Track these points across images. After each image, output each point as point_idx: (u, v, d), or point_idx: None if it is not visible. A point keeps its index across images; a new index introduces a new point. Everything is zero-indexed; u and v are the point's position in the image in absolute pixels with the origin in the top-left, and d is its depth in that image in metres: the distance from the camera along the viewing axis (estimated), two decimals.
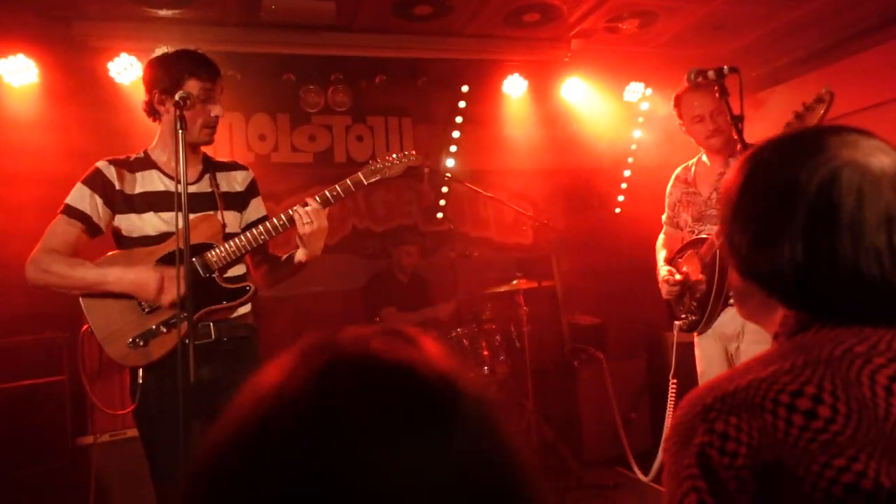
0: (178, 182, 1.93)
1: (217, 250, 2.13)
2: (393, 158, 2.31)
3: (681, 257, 2.80)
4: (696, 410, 0.81)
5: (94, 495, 3.28)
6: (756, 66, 4.79)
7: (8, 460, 3.33)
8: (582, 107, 5.18)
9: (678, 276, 2.70)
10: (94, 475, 3.29)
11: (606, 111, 5.21)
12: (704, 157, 2.80)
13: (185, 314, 1.89)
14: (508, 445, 0.50)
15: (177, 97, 1.97)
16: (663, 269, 2.79)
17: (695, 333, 2.74)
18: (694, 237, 2.76)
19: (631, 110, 5.33)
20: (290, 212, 2.16)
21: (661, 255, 2.92)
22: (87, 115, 4.15)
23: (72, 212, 2.10)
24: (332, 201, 2.21)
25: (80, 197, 2.12)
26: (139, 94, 4.17)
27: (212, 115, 2.14)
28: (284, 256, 2.33)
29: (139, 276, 2.02)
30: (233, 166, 2.38)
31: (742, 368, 0.84)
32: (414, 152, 2.36)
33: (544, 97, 5.13)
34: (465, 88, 5.06)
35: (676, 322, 2.77)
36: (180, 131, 1.92)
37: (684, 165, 2.93)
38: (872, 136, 0.86)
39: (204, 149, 2.31)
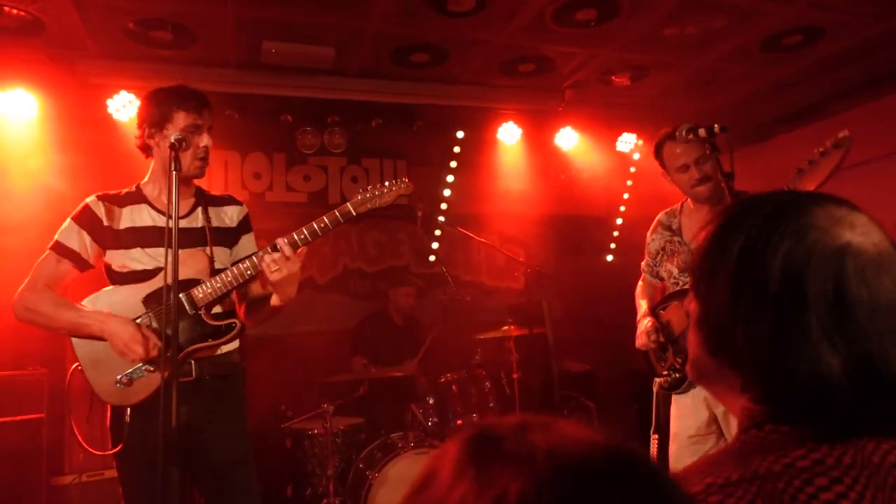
0: (170, 218, 1.90)
1: (204, 286, 2.10)
2: (384, 186, 2.18)
3: (663, 309, 2.65)
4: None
5: None
6: (745, 120, 4.90)
7: None
8: (575, 155, 5.26)
9: (659, 336, 2.56)
10: None
11: (599, 161, 5.29)
12: (690, 203, 2.68)
13: (169, 354, 1.86)
14: None
15: (172, 139, 1.97)
16: (646, 320, 2.63)
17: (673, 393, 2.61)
18: (678, 288, 2.63)
19: (623, 160, 5.41)
20: (256, 259, 2.07)
21: (643, 304, 2.78)
22: (85, 150, 4.17)
23: (60, 249, 2.11)
24: (310, 239, 2.07)
25: (69, 233, 2.12)
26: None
27: (201, 146, 2.13)
28: (260, 297, 2.26)
29: (115, 329, 1.99)
30: (227, 201, 2.35)
31: (700, 464, 0.77)
32: (406, 179, 2.23)
33: (538, 145, 5.21)
34: (460, 134, 5.14)
35: (657, 379, 2.63)
36: (174, 172, 1.92)
37: (667, 211, 2.79)
38: (856, 209, 0.80)
39: (198, 183, 2.31)
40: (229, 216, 2.31)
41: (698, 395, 2.50)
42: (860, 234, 0.76)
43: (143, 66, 4.00)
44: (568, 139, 5.15)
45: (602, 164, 5.30)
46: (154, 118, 2.11)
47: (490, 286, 5.59)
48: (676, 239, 2.68)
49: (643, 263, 2.88)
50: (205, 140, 2.14)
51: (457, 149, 5.24)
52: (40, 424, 3.47)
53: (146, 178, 2.25)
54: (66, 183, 4.08)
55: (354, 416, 3.94)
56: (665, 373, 2.59)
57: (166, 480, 1.76)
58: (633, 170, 5.50)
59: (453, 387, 3.97)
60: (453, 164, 5.29)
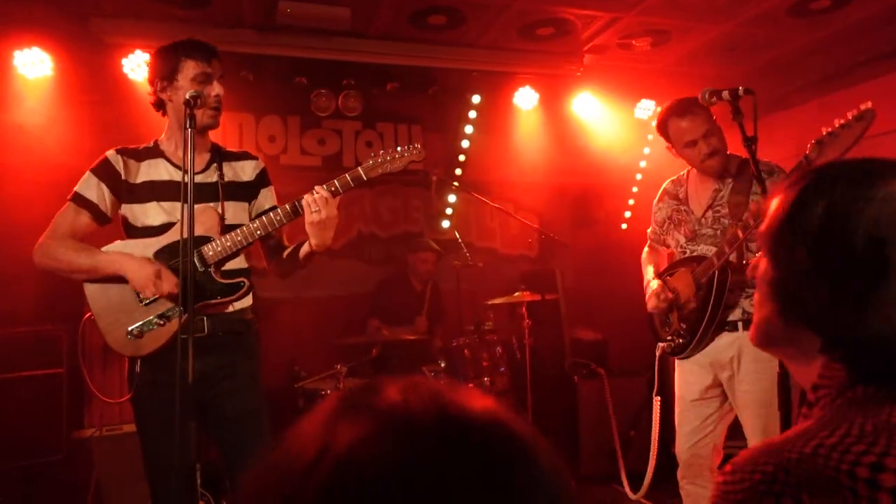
0: (186, 173, 1.92)
1: (214, 244, 2.11)
2: (395, 152, 2.18)
3: (670, 275, 2.67)
4: (756, 480, 0.70)
5: (94, 489, 3.27)
6: (768, 88, 4.79)
7: (4, 452, 3.33)
8: (592, 122, 5.18)
9: (669, 293, 2.59)
10: (96, 469, 3.27)
11: (617, 127, 5.21)
12: (692, 175, 2.70)
13: (180, 308, 1.89)
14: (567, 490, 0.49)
15: (187, 96, 1.97)
16: (654, 282, 2.67)
17: (676, 357, 2.65)
18: (686, 256, 2.63)
19: (641, 127, 5.32)
20: (296, 202, 2.10)
21: (650, 269, 2.81)
22: (99, 109, 4.18)
23: (80, 199, 2.14)
24: (341, 191, 2.12)
25: (88, 185, 2.15)
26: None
27: (213, 95, 2.12)
28: (293, 246, 2.26)
29: (136, 265, 2.04)
30: (242, 156, 2.35)
31: (799, 431, 0.75)
32: (418, 145, 2.21)
33: (555, 111, 5.14)
34: (475, 99, 5.08)
35: (661, 344, 2.66)
36: (189, 130, 1.93)
37: (673, 179, 2.80)
38: None
39: (215, 141, 2.32)
40: (245, 171, 2.32)
41: (702, 359, 2.52)
42: None
43: (158, 25, 3.96)
44: (585, 105, 5.07)
45: (619, 131, 5.22)
46: (164, 71, 2.11)
47: (503, 253, 5.58)
48: (683, 208, 2.67)
49: (649, 231, 2.89)
50: (216, 89, 2.13)
51: (472, 114, 5.19)
52: (60, 379, 3.55)
53: (163, 134, 2.26)
54: (81, 141, 4.10)
55: (367, 378, 3.99)
56: (669, 338, 2.61)
57: (184, 434, 1.80)
58: (650, 137, 5.41)
59: (465, 351, 4.00)
60: (468, 129, 5.24)
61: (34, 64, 3.95)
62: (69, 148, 4.07)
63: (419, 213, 5.42)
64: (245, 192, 2.30)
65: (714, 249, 2.47)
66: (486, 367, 4.00)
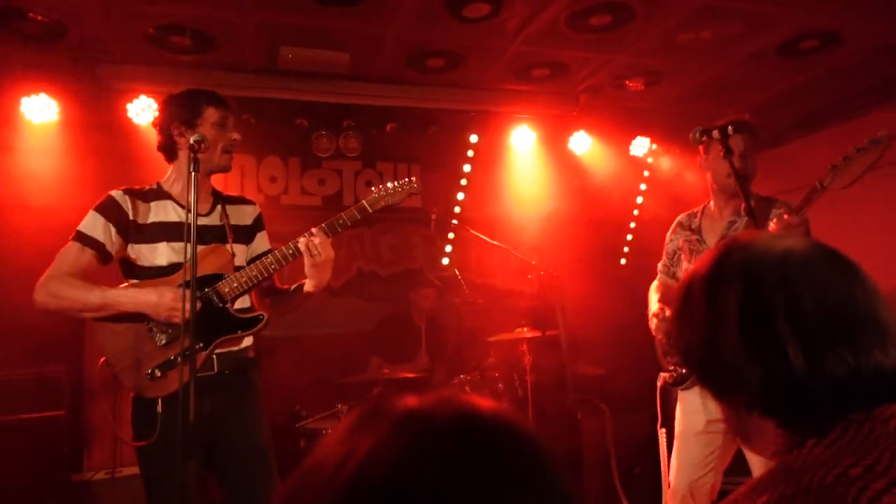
0: (191, 213, 1.97)
1: (229, 281, 2.16)
2: (395, 185, 2.32)
3: None
4: (774, 501, 0.72)
5: None
6: (760, 125, 4.87)
7: (4, 497, 3.29)
8: (589, 160, 5.26)
9: (668, 313, 2.56)
10: None
11: (613, 165, 5.29)
12: (712, 205, 2.70)
13: (188, 350, 1.90)
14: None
15: (191, 140, 2.01)
16: (655, 304, 2.67)
17: (678, 388, 2.61)
18: None
19: (637, 165, 5.41)
20: (295, 244, 2.19)
21: (654, 298, 2.80)
22: (104, 153, 4.25)
23: (84, 238, 2.13)
24: (339, 230, 2.22)
25: (94, 224, 2.15)
26: (155, 135, 4.31)
27: (231, 138, 2.23)
28: (293, 287, 2.34)
29: (151, 296, 2.04)
30: (241, 200, 2.44)
31: (739, 494, 0.78)
32: (414, 178, 2.35)
33: (552, 149, 5.22)
34: (473, 138, 5.16)
35: (663, 374, 2.63)
36: (193, 174, 1.97)
37: (689, 213, 2.82)
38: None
39: (215, 184, 2.38)
40: (246, 215, 2.39)
41: (697, 393, 2.49)
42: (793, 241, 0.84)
43: (162, 70, 4.07)
44: (582, 143, 5.15)
45: (616, 169, 5.30)
46: (184, 116, 2.18)
47: (503, 289, 5.60)
48: (696, 237, 2.68)
49: (660, 264, 2.89)
50: (235, 134, 2.24)
51: (470, 153, 5.27)
52: (60, 422, 3.53)
53: (167, 176, 2.31)
54: (86, 186, 4.16)
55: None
56: (672, 368, 2.58)
57: (185, 473, 1.79)
58: (646, 174, 5.49)
59: (467, 388, 3.98)
60: (467, 167, 5.31)
61: (41, 110, 4.03)
62: (73, 191, 4.13)
63: (419, 250, 5.46)
64: (245, 235, 2.37)
65: None
66: None
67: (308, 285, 2.24)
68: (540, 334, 4.15)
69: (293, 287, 2.34)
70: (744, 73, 4.31)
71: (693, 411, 2.52)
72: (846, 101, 4.45)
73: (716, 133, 2.06)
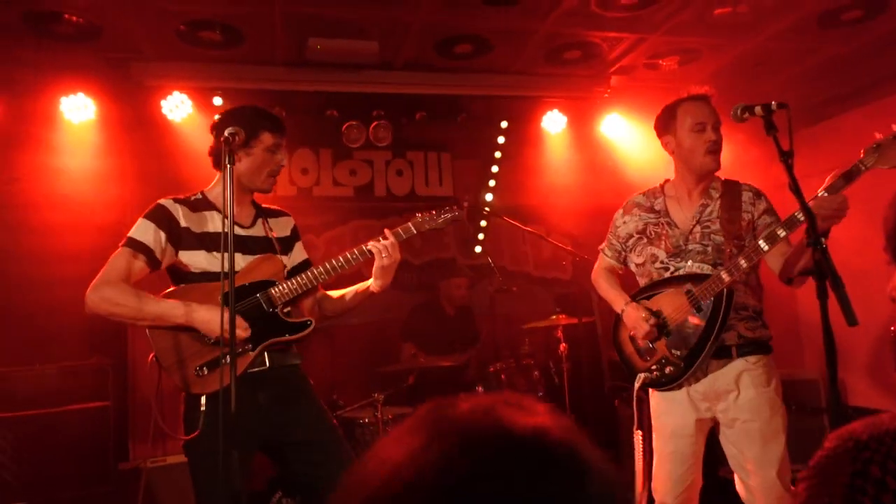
0: (227, 220, 2.02)
1: (280, 287, 2.24)
2: (442, 213, 2.50)
3: (647, 298, 2.41)
4: (847, 446, 0.70)
5: None
6: (797, 102, 4.72)
7: (52, 484, 3.40)
8: (621, 143, 5.17)
9: (653, 319, 2.33)
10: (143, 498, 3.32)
11: (646, 147, 5.18)
12: (674, 185, 2.50)
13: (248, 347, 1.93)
14: None
15: (226, 133, 2.03)
16: (631, 307, 2.41)
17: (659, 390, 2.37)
18: (669, 275, 2.37)
19: None
20: (367, 246, 2.31)
21: (614, 290, 2.57)
22: (140, 148, 4.34)
23: (135, 244, 2.17)
24: (404, 237, 2.38)
25: (144, 231, 2.18)
26: (189, 131, 4.38)
27: (281, 164, 2.31)
28: (357, 288, 2.44)
29: (208, 314, 2.09)
30: (279, 213, 2.51)
31: None
32: (456, 207, 2.53)
33: (584, 133, 5.14)
34: (504, 124, 5.12)
35: (642, 375, 2.38)
36: (229, 165, 1.99)
37: (645, 192, 2.59)
38: None
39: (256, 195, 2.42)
40: (284, 226, 2.47)
41: (694, 391, 2.30)
42: None
43: (193, 66, 4.12)
44: (614, 126, 5.06)
45: (649, 151, 5.19)
46: (242, 134, 2.20)
47: (537, 276, 5.56)
48: (664, 220, 2.44)
49: (604, 247, 2.70)
50: (282, 159, 2.32)
51: (501, 139, 5.22)
52: (106, 412, 3.63)
53: (211, 185, 2.36)
54: (124, 179, 4.25)
55: (404, 406, 3.99)
56: (654, 367, 2.35)
57: (228, 465, 1.83)
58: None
59: (502, 376, 3.98)
60: (498, 154, 5.27)
61: (79, 109, 4.13)
62: (112, 186, 4.23)
63: (451, 238, 5.44)
64: (285, 245, 2.44)
65: (706, 266, 2.29)
66: (523, 392, 3.95)
67: (374, 286, 2.35)
68: (576, 321, 4.11)
69: (354, 289, 2.44)
70: (782, 46, 4.17)
71: (680, 414, 2.32)
72: (888, 76, 4.28)
73: (759, 109, 1.99)
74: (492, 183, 5.33)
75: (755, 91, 4.77)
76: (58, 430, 3.48)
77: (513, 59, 4.31)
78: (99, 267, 2.17)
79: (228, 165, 2.00)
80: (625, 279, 2.68)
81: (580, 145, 5.20)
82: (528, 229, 4.36)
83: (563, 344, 4.06)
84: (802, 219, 1.97)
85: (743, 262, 2.17)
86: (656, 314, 2.35)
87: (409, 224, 2.42)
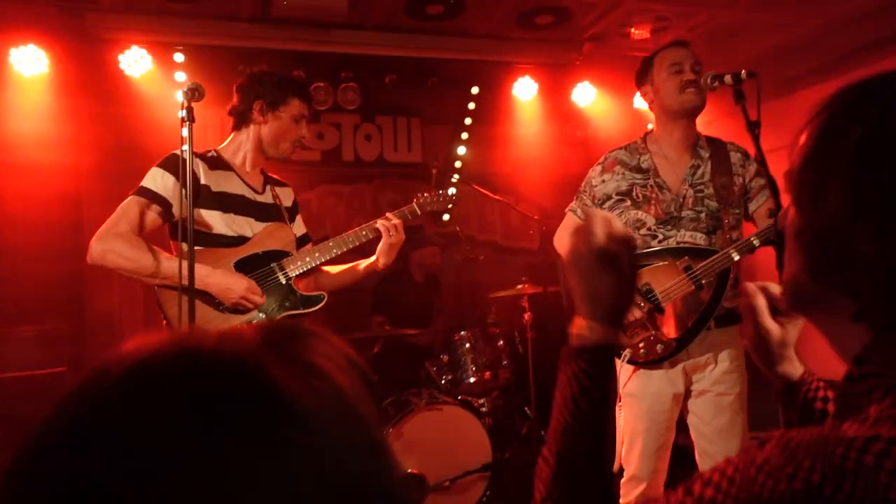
0: (256, 192, 2.14)
1: (293, 259, 2.21)
2: (440, 194, 2.63)
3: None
4: (796, 488, 0.55)
5: None
6: (771, 74, 4.75)
7: (8, 453, 3.32)
8: (592, 111, 5.15)
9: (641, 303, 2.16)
10: None
11: (617, 117, 5.18)
12: (655, 141, 2.33)
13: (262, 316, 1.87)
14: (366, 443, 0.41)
15: (186, 88, 1.94)
16: None
17: (622, 360, 2.22)
18: (658, 244, 2.22)
19: (641, 117, 5.29)
20: (377, 224, 2.35)
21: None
22: (97, 106, 4.16)
23: (151, 195, 2.04)
24: (410, 217, 2.46)
25: (162, 182, 2.05)
26: (148, 87, 4.21)
27: (304, 135, 2.31)
28: (363, 265, 2.44)
29: (226, 278, 2.02)
30: (283, 183, 2.45)
31: (854, 426, 0.58)
32: (453, 192, 2.62)
33: (555, 101, 5.11)
34: (474, 90, 5.05)
35: (627, 351, 2.20)
36: (189, 122, 1.92)
37: (626, 147, 2.38)
38: None
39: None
40: (288, 197, 2.43)
41: (676, 363, 2.21)
42: None
43: (154, 19, 3.94)
44: (585, 95, 5.04)
45: (619, 121, 5.19)
46: (270, 97, 2.21)
47: (505, 245, 5.56)
48: (654, 182, 2.25)
49: (574, 207, 2.47)
50: (305, 130, 2.30)
51: (471, 105, 5.15)
52: (62, 378, 3.54)
53: (226, 144, 2.27)
54: (79, 138, 4.08)
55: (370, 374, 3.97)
56: (641, 344, 2.19)
57: None
58: (650, 126, 5.38)
59: (467, 344, 3.98)
60: (468, 120, 5.21)
61: (30, 61, 3.92)
62: (66, 145, 4.06)
63: None
64: (289, 216, 2.40)
65: (700, 235, 2.19)
66: (488, 360, 3.98)
67: (380, 263, 2.36)
68: (541, 290, 4.13)
69: (364, 265, 2.43)
70: (752, 18, 4.17)
71: (657, 392, 2.23)
72: (864, 47, 4.31)
73: (728, 78, 1.97)
74: (461, 150, 5.27)
75: (728, 63, 4.77)
76: (11, 397, 3.38)
77: (485, 21, 4.23)
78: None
79: (189, 122, 1.91)
80: None
81: (551, 114, 5.17)
82: (497, 198, 4.33)
83: (528, 313, 4.08)
84: None
85: (755, 241, 2.08)
86: (647, 292, 2.17)
87: (414, 204, 2.49)
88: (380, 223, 2.34)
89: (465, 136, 5.25)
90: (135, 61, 4.07)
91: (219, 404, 0.37)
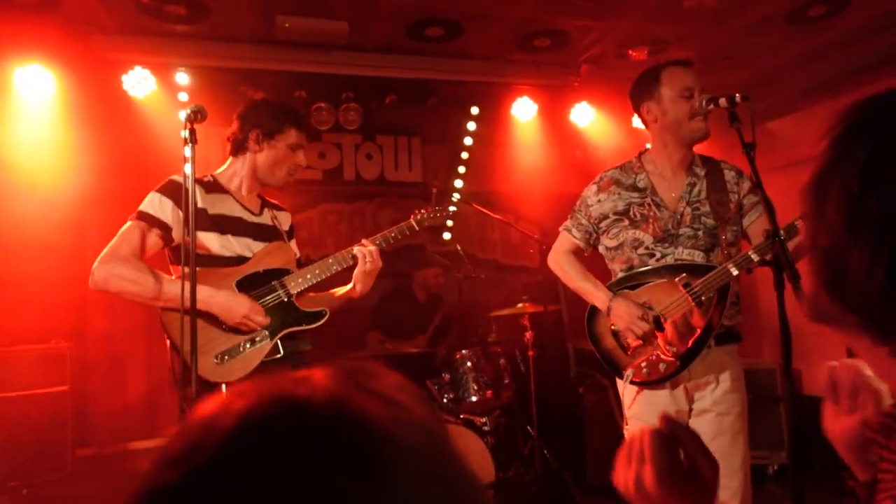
0: (252, 214, 2.14)
1: (295, 276, 2.23)
2: (438, 210, 2.62)
3: (631, 289, 2.24)
4: None
5: None
6: (765, 96, 4.81)
7: (9, 470, 3.31)
8: (591, 132, 5.19)
9: (650, 314, 2.16)
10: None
11: (615, 137, 5.22)
12: (652, 161, 2.33)
13: (267, 333, 1.89)
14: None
15: (189, 110, 1.97)
16: (634, 306, 2.17)
17: (623, 381, 2.22)
18: (656, 262, 2.21)
19: (640, 137, 5.33)
20: (350, 251, 2.33)
21: (587, 281, 2.34)
22: (100, 128, 4.20)
23: (149, 219, 2.08)
24: (392, 242, 2.43)
25: (161, 207, 2.09)
26: (152, 108, 4.26)
27: (299, 164, 2.31)
28: (340, 291, 2.44)
29: (228, 299, 2.04)
30: (280, 207, 2.48)
31: None
32: (453, 208, 2.64)
33: (553, 121, 5.15)
34: (474, 110, 5.10)
35: (630, 371, 2.19)
36: (190, 144, 1.95)
37: (621, 167, 2.37)
38: None
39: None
40: (285, 220, 2.45)
41: (668, 387, 2.19)
42: None
43: (157, 40, 4.00)
44: (584, 115, 5.08)
45: (618, 141, 5.23)
46: (268, 127, 2.24)
47: (505, 264, 5.58)
48: (652, 201, 2.24)
49: (570, 226, 2.44)
50: (303, 159, 2.32)
51: (471, 125, 5.20)
52: (65, 397, 3.54)
53: (223, 170, 2.31)
54: (83, 158, 4.12)
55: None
56: (643, 364, 2.18)
57: None
58: (649, 146, 5.42)
59: (468, 363, 3.98)
60: (468, 140, 5.25)
61: (35, 82, 3.97)
62: (70, 165, 4.09)
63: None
64: (286, 239, 2.41)
65: (698, 253, 2.18)
66: (490, 379, 3.97)
67: (356, 290, 2.36)
68: (542, 309, 4.13)
69: (341, 291, 2.44)
70: (750, 41, 4.23)
71: (661, 409, 2.12)
72: (857, 69, 4.37)
73: (723, 101, 2.00)
74: (461, 169, 5.31)
75: (722, 85, 4.83)
76: (14, 415, 3.38)
77: (483, 43, 4.29)
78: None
79: (191, 144, 1.94)
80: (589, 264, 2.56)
81: (550, 133, 5.21)
82: (497, 217, 4.36)
83: (530, 332, 4.08)
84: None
85: (753, 255, 2.08)
86: (647, 310, 2.17)
87: (412, 220, 2.51)
88: (356, 249, 2.32)
89: (464, 155, 5.29)
90: (138, 82, 4.12)
91: (332, 456, 0.39)
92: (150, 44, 4.00)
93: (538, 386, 4.02)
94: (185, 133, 1.95)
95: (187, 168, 1.95)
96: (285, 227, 2.42)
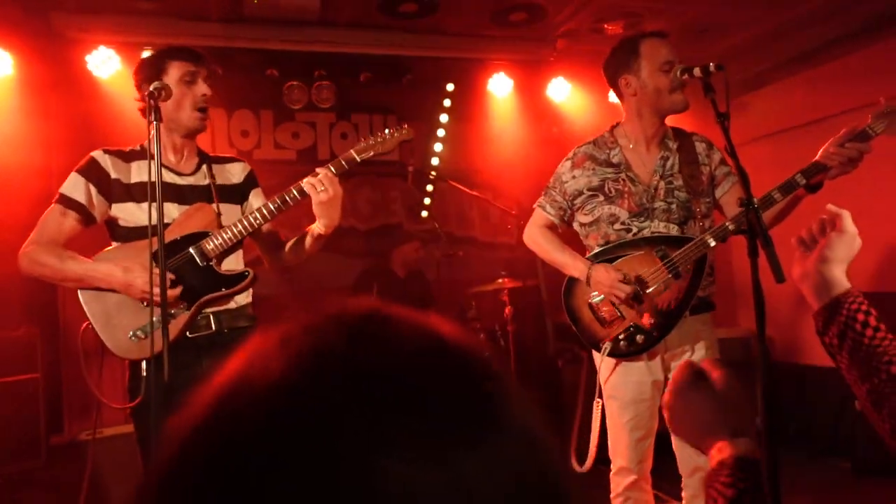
0: (176, 174, 2.02)
1: (213, 238, 2.11)
2: (385, 134, 2.24)
3: (609, 261, 2.24)
4: None
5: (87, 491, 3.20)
6: (740, 69, 4.82)
7: None
8: (567, 107, 5.18)
9: (627, 285, 2.16)
10: (89, 472, 3.21)
11: (592, 112, 5.21)
12: (625, 136, 2.32)
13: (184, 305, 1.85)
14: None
15: (151, 87, 1.92)
16: (613, 271, 2.17)
17: (599, 354, 2.25)
18: (632, 236, 2.23)
19: (616, 111, 5.31)
20: (301, 184, 2.11)
21: (563, 253, 2.33)
22: (64, 107, 4.08)
23: (66, 201, 2.06)
24: (346, 167, 2.17)
25: (75, 186, 2.07)
26: (117, 88, 4.15)
27: (199, 95, 2.11)
28: (296, 237, 2.31)
29: (126, 276, 1.99)
30: (229, 160, 2.37)
31: None
32: (406, 126, 2.27)
33: (530, 96, 5.12)
34: (450, 87, 5.05)
35: (608, 344, 2.21)
36: (154, 122, 1.89)
37: (594, 142, 2.36)
38: None
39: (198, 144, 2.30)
40: (234, 173, 2.32)
41: (644, 357, 2.23)
42: None
43: (122, 19, 3.88)
44: (560, 90, 5.06)
45: (595, 116, 5.22)
46: (149, 75, 2.08)
47: (484, 241, 5.57)
48: (626, 176, 2.26)
49: (545, 206, 2.41)
50: (202, 88, 2.11)
51: (447, 102, 5.15)
52: (36, 384, 3.48)
53: (149, 139, 2.21)
54: (47, 140, 4.00)
55: None
56: (621, 335, 2.20)
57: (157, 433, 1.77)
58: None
59: None
60: (444, 117, 5.21)
61: None
62: (33, 148, 3.98)
63: (397, 204, 5.39)
64: (236, 195, 2.30)
65: (672, 226, 2.20)
66: None
67: (318, 226, 2.17)
68: (520, 284, 4.15)
69: (298, 236, 2.29)
70: (723, 13, 4.22)
71: (638, 382, 2.24)
72: (827, 44, 4.39)
73: (697, 71, 2.00)
74: (438, 147, 5.27)
75: (697, 58, 4.83)
76: None
77: (458, 19, 4.23)
78: (25, 238, 2.07)
79: (154, 122, 1.89)
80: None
81: (526, 108, 5.18)
82: (474, 193, 4.35)
83: (509, 307, 4.10)
84: (801, 181, 2.00)
85: (730, 225, 2.11)
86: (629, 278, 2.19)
87: (351, 151, 2.18)
88: (305, 181, 2.10)
89: (441, 132, 5.25)
90: (102, 62, 4.00)
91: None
92: (114, 23, 3.88)
93: (518, 361, 4.06)
94: (150, 115, 1.89)
95: (151, 148, 1.89)
96: (234, 180, 2.30)
